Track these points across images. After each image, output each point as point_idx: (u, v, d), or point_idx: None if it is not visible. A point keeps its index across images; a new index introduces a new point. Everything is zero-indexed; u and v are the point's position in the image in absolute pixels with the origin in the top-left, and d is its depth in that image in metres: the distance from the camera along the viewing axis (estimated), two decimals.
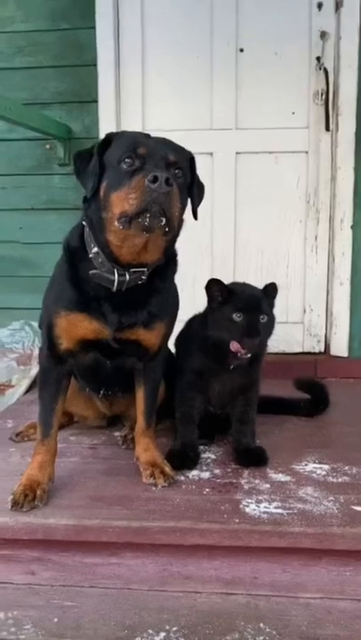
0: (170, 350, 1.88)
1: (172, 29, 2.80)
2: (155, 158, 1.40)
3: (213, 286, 1.71)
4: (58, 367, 1.64)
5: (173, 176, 1.39)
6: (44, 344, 1.65)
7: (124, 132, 1.56)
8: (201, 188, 1.65)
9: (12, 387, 2.69)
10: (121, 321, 1.56)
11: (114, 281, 1.51)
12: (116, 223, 1.41)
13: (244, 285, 1.77)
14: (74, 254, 1.58)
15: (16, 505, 1.48)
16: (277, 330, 2.78)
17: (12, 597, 1.47)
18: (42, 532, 1.46)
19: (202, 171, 2.71)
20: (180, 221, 1.50)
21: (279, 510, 1.49)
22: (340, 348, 2.85)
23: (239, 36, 2.76)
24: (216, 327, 1.68)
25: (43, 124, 2.70)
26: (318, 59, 2.71)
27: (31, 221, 2.95)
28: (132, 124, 2.83)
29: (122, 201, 1.39)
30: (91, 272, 1.52)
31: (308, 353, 2.92)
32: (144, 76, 2.83)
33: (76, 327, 1.57)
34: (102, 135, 2.71)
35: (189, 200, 1.57)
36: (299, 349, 2.92)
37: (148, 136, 1.51)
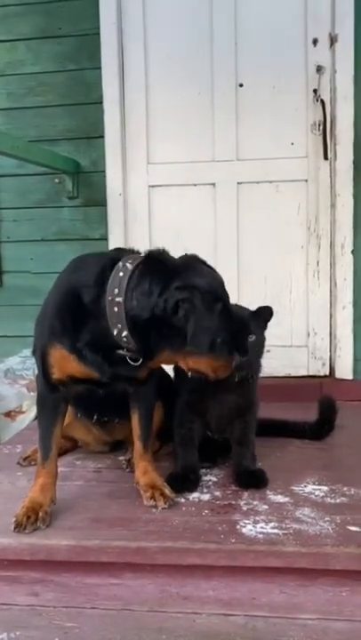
0: (169, 376, 1.93)
1: (175, 67, 2.92)
2: None
3: None
4: (54, 394, 1.66)
5: None
6: (39, 371, 1.67)
7: None
8: None
9: (23, 412, 2.74)
10: (115, 374, 1.58)
11: None
12: None
13: (234, 307, 1.78)
14: (81, 299, 1.54)
15: (19, 526, 1.52)
16: (282, 353, 2.80)
17: (16, 618, 1.50)
18: (44, 553, 1.50)
19: (205, 201, 2.84)
20: None
21: (275, 530, 1.51)
22: (344, 370, 2.88)
23: (239, 72, 2.87)
24: None
25: (52, 160, 2.82)
26: (315, 91, 2.80)
27: (41, 252, 3.05)
28: (137, 158, 2.95)
29: None
30: None
31: (314, 376, 2.94)
32: (148, 112, 2.94)
33: (68, 364, 1.57)
34: (109, 168, 2.85)
35: None
36: (304, 372, 2.95)
37: None
